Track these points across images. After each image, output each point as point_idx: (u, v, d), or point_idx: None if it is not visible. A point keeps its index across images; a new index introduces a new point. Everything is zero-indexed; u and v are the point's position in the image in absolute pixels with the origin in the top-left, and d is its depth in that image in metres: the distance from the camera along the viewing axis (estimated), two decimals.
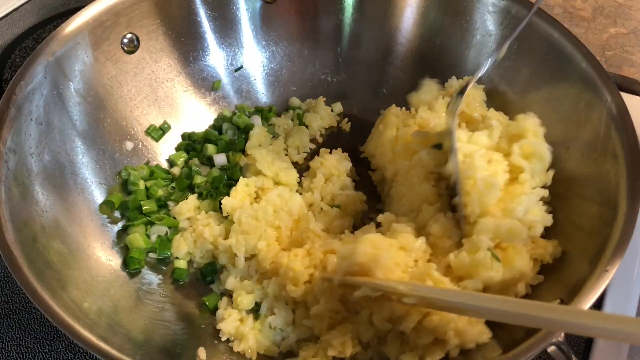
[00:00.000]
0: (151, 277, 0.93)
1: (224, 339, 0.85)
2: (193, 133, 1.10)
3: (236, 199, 0.95)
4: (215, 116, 1.14)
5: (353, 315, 0.83)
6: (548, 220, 0.83)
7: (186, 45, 1.09)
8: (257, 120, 1.11)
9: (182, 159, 1.06)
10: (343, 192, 1.00)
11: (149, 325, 0.85)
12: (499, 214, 0.81)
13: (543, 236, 0.85)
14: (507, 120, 0.97)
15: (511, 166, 0.85)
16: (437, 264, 0.81)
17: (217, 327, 0.86)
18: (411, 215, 0.91)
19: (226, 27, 1.12)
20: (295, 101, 1.17)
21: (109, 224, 0.95)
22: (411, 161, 0.94)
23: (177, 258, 0.95)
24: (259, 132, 1.09)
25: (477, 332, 0.75)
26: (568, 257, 0.82)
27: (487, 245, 0.78)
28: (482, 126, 0.91)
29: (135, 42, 1.02)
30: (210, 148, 1.06)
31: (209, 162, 1.06)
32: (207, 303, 0.89)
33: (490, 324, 0.78)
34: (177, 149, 1.09)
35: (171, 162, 1.07)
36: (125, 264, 0.91)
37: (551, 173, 0.86)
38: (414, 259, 0.81)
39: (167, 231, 0.96)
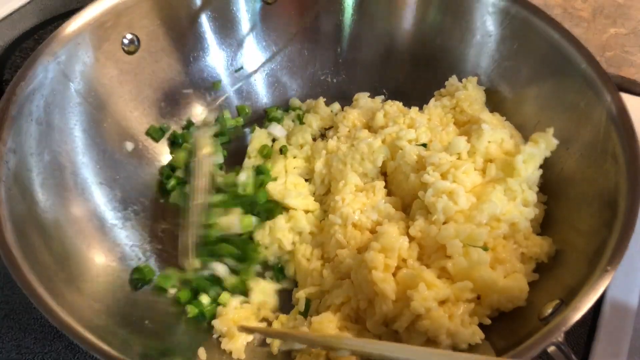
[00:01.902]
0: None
1: (215, 336, 0.86)
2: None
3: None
4: (215, 116, 1.14)
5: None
6: (529, 213, 0.84)
7: (186, 45, 1.09)
8: (276, 128, 1.12)
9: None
10: None
11: (150, 325, 0.85)
12: (462, 220, 0.81)
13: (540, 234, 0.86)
14: (503, 122, 0.98)
15: (487, 169, 0.86)
16: (430, 263, 0.81)
17: (212, 322, 0.86)
18: (407, 211, 0.91)
19: (226, 27, 1.12)
20: (295, 102, 1.18)
21: (109, 224, 0.95)
22: (395, 159, 0.94)
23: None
24: (259, 134, 1.09)
25: (470, 333, 0.75)
26: (568, 257, 0.82)
27: (460, 249, 0.78)
28: (476, 127, 0.91)
29: (136, 43, 1.02)
30: None
31: None
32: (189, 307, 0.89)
33: (486, 326, 0.78)
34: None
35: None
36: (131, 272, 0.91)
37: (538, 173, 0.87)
38: (401, 258, 0.81)
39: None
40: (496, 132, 0.89)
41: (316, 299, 0.89)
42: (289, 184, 1.00)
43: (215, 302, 0.89)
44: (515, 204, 0.84)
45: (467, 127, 0.97)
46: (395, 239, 0.81)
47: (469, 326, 0.76)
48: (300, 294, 0.88)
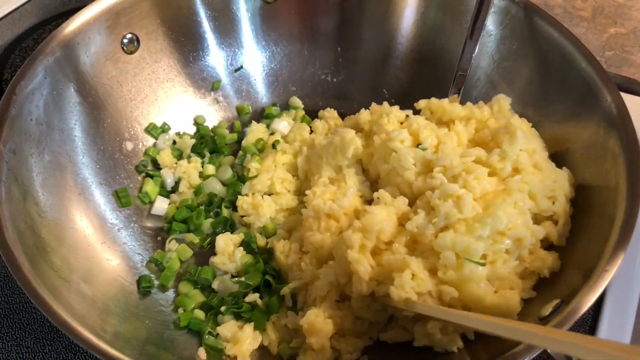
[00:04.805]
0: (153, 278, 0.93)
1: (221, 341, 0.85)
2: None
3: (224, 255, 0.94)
4: (215, 116, 1.14)
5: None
6: (539, 232, 0.79)
7: (186, 45, 1.09)
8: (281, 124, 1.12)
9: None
10: None
11: (150, 325, 0.85)
12: (464, 229, 0.77)
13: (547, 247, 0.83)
14: (530, 128, 0.91)
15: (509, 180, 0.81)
16: (423, 258, 0.79)
17: (217, 330, 0.86)
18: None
19: (226, 27, 1.12)
20: (296, 101, 1.18)
21: (109, 224, 0.95)
22: (389, 163, 0.89)
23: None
24: (256, 128, 1.09)
25: (447, 341, 0.77)
26: (568, 257, 0.81)
27: (453, 262, 0.75)
28: (504, 131, 0.85)
29: (136, 43, 1.02)
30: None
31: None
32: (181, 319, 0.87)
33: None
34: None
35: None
36: (138, 281, 0.91)
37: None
38: (383, 241, 0.81)
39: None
40: (530, 141, 0.84)
41: (302, 292, 0.89)
42: (275, 178, 1.01)
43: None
44: (525, 220, 0.79)
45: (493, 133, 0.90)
46: (376, 220, 0.80)
47: (449, 334, 0.77)
48: (285, 290, 0.88)
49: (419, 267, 0.76)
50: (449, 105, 0.94)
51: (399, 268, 0.76)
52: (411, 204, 0.86)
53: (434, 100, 0.96)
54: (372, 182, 0.96)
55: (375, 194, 0.87)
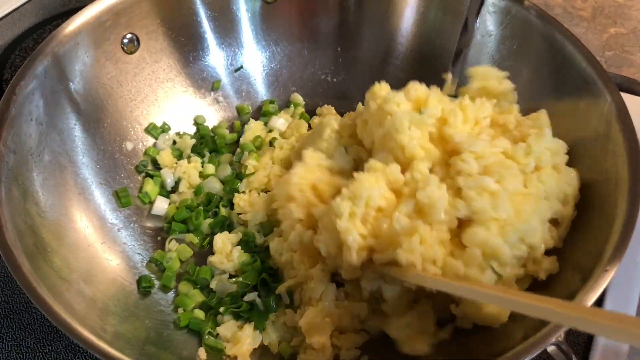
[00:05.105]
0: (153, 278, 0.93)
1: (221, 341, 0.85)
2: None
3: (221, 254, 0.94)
4: (215, 116, 1.14)
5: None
6: (548, 241, 0.78)
7: (186, 45, 1.09)
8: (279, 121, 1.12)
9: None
10: None
11: (149, 325, 0.85)
12: (495, 228, 0.73)
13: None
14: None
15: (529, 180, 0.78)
16: (433, 227, 0.76)
17: (217, 330, 0.86)
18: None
19: (226, 27, 1.12)
20: (297, 97, 1.18)
21: (109, 224, 0.95)
22: (384, 127, 0.84)
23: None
24: (254, 126, 1.10)
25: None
26: (568, 257, 0.81)
27: (480, 261, 0.73)
28: (532, 124, 0.84)
29: (136, 43, 1.02)
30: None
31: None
32: (181, 318, 0.87)
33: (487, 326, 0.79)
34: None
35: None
36: (138, 281, 0.91)
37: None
38: (374, 208, 0.78)
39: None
40: (556, 141, 0.82)
41: (298, 289, 0.88)
42: (272, 175, 1.01)
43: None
44: (544, 229, 0.76)
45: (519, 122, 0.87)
46: (364, 187, 0.76)
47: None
48: (280, 289, 0.88)
49: (426, 232, 0.73)
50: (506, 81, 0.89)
51: (407, 233, 0.73)
52: (403, 170, 0.82)
53: (487, 68, 0.91)
54: (367, 152, 0.93)
55: (366, 165, 0.82)
